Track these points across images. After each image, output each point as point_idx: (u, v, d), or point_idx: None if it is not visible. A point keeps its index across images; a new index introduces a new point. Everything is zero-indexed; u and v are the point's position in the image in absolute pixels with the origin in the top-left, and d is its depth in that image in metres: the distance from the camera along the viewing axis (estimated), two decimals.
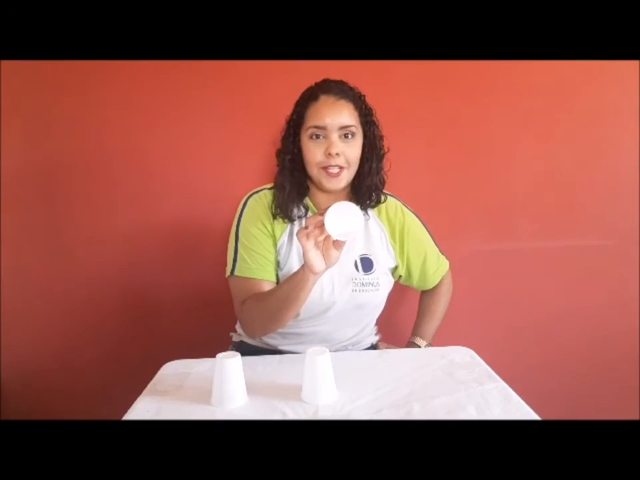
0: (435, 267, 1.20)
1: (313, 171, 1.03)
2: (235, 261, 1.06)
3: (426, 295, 1.27)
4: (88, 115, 1.41)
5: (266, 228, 1.07)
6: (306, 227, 0.84)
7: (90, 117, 1.41)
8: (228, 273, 1.07)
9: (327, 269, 0.88)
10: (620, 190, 1.49)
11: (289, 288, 0.94)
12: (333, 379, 0.83)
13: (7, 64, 1.37)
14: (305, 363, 0.82)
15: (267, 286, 1.04)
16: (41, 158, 1.43)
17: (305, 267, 0.88)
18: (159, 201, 1.46)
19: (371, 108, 1.07)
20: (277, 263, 1.08)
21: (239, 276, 1.05)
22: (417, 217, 1.19)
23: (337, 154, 0.99)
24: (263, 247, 1.05)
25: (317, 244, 0.85)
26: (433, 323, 1.22)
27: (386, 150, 1.09)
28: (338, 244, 0.86)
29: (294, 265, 1.05)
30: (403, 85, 1.43)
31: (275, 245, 1.07)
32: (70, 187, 1.44)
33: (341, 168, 1.01)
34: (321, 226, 0.82)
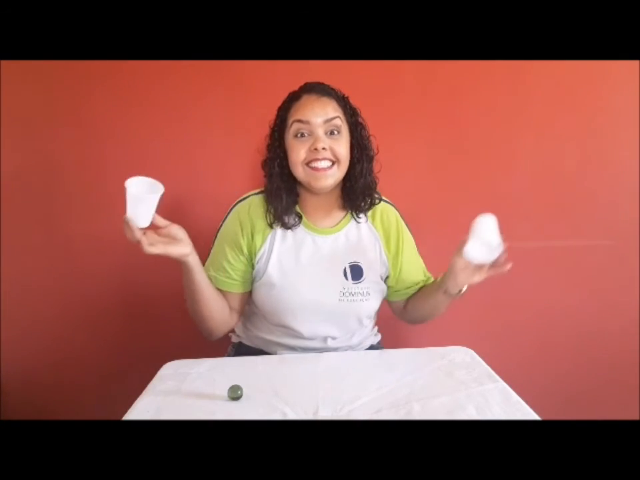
0: (422, 284, 1.14)
1: (299, 171, 0.99)
2: (205, 260, 1.09)
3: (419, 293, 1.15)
4: (87, 115, 1.41)
5: (239, 246, 1.05)
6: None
7: (89, 118, 1.41)
8: None
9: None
10: (620, 190, 1.49)
11: (185, 284, 0.99)
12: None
13: (7, 64, 1.36)
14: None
15: (220, 295, 1.06)
16: (41, 158, 1.43)
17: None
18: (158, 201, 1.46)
19: (355, 108, 1.04)
20: (254, 274, 1.07)
21: None
22: (411, 233, 1.14)
23: (324, 148, 0.96)
24: (230, 263, 1.05)
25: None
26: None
27: (376, 151, 1.06)
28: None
29: (272, 274, 1.04)
30: (402, 85, 1.43)
31: (252, 258, 1.06)
32: (70, 187, 1.44)
33: (332, 162, 0.98)
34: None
